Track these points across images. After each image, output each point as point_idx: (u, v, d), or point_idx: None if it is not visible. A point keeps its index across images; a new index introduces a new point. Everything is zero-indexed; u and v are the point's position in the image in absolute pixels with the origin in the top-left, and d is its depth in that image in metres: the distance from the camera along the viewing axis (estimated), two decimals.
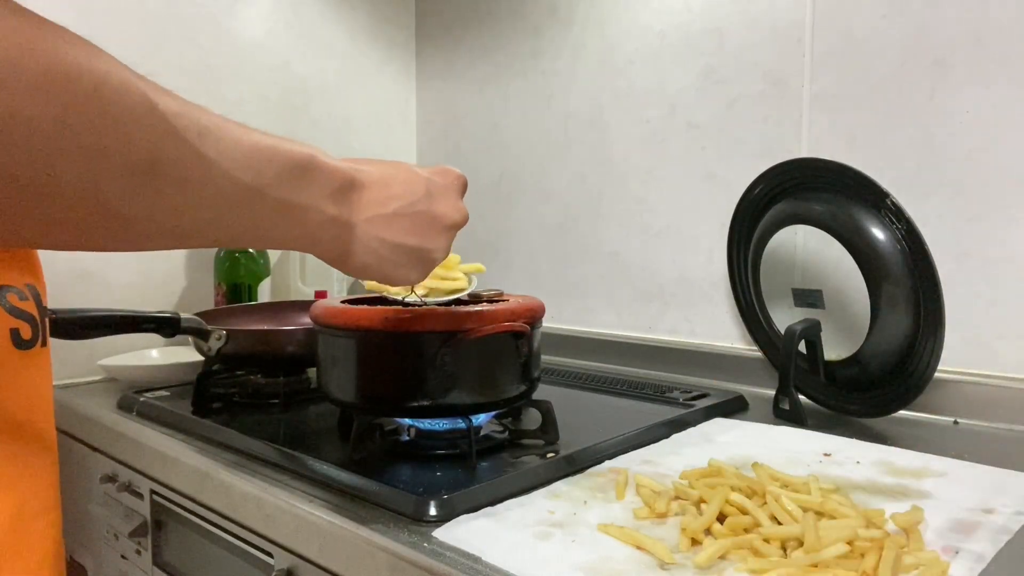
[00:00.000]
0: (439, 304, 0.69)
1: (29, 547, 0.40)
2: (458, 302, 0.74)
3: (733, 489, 0.56)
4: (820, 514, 0.52)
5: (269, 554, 0.64)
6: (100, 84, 0.29)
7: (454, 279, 0.70)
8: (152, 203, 0.33)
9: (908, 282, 0.78)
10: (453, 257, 0.71)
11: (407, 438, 0.72)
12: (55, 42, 0.27)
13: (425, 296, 0.69)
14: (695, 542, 0.51)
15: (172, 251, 1.21)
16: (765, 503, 0.54)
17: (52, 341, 0.76)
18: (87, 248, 0.34)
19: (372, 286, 0.67)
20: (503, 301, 0.72)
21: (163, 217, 0.34)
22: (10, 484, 0.39)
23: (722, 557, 0.48)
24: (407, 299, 0.70)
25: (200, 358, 0.95)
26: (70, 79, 0.28)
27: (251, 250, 1.20)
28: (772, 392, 0.88)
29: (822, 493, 0.55)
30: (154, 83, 0.33)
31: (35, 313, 0.42)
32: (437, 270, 0.68)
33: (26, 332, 0.41)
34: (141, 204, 0.33)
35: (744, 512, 0.52)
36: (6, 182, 0.27)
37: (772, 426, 0.81)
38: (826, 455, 0.70)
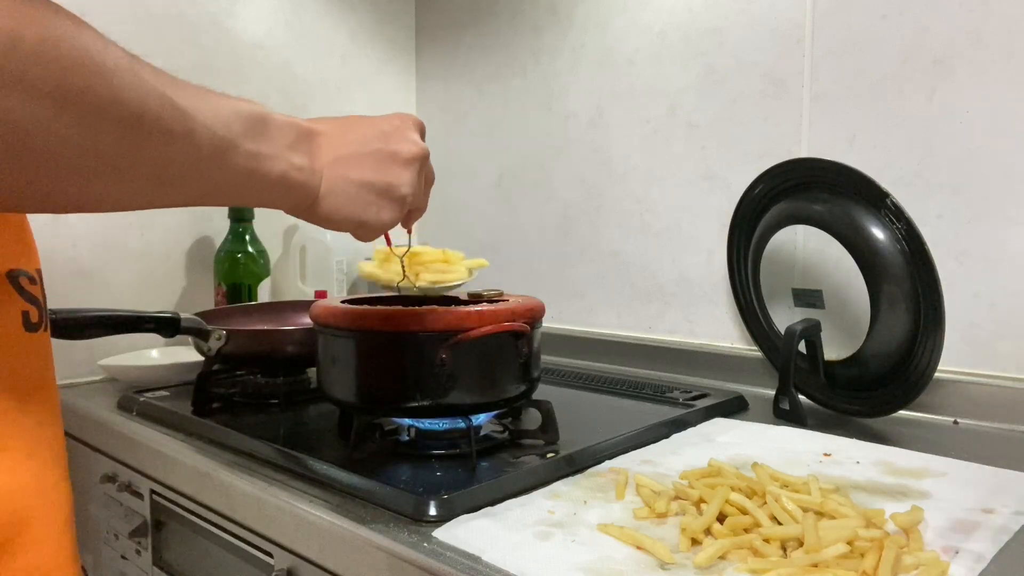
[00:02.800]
0: (439, 294, 0.70)
1: (55, 509, 0.43)
2: (458, 302, 0.74)
3: (733, 489, 0.56)
4: (820, 514, 0.52)
5: (269, 554, 0.64)
6: (88, 48, 0.32)
7: (455, 272, 0.71)
8: (141, 154, 0.36)
9: (908, 282, 0.78)
10: (456, 253, 0.71)
11: (407, 438, 0.72)
12: (45, 13, 0.30)
13: (427, 288, 0.70)
14: (695, 542, 0.51)
15: (172, 251, 1.21)
16: (765, 503, 0.54)
17: (53, 341, 0.77)
18: (86, 205, 0.37)
19: (368, 272, 0.68)
20: (503, 301, 0.72)
21: (149, 169, 0.37)
22: (31, 451, 0.41)
23: (722, 557, 0.48)
24: (401, 285, 0.73)
25: (200, 358, 0.95)
26: (62, 45, 0.31)
27: (251, 250, 1.20)
28: (772, 392, 0.88)
29: (822, 493, 0.55)
30: (125, 49, 0.36)
31: (41, 298, 0.44)
32: (440, 264, 0.68)
33: (34, 315, 0.42)
34: (131, 156, 0.35)
35: (744, 512, 0.52)
36: (23, 142, 0.30)
37: (772, 426, 0.81)
38: (826, 455, 0.70)
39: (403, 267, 0.73)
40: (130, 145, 0.35)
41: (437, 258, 0.78)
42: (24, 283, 0.42)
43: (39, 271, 0.45)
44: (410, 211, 0.58)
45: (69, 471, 0.47)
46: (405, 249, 0.70)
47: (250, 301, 1.19)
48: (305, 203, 0.50)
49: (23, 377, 0.41)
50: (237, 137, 0.43)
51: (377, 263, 0.82)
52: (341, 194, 0.51)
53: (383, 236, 0.58)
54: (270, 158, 0.46)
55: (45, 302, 0.44)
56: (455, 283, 0.68)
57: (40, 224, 1.03)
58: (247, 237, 1.21)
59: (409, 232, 0.65)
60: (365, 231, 0.54)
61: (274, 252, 1.32)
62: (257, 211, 1.23)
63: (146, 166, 0.37)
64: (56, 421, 0.45)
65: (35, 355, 0.43)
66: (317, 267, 1.31)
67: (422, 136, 0.57)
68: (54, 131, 0.31)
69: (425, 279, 0.70)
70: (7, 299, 0.41)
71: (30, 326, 0.42)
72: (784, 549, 0.49)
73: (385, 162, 0.53)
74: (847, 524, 0.49)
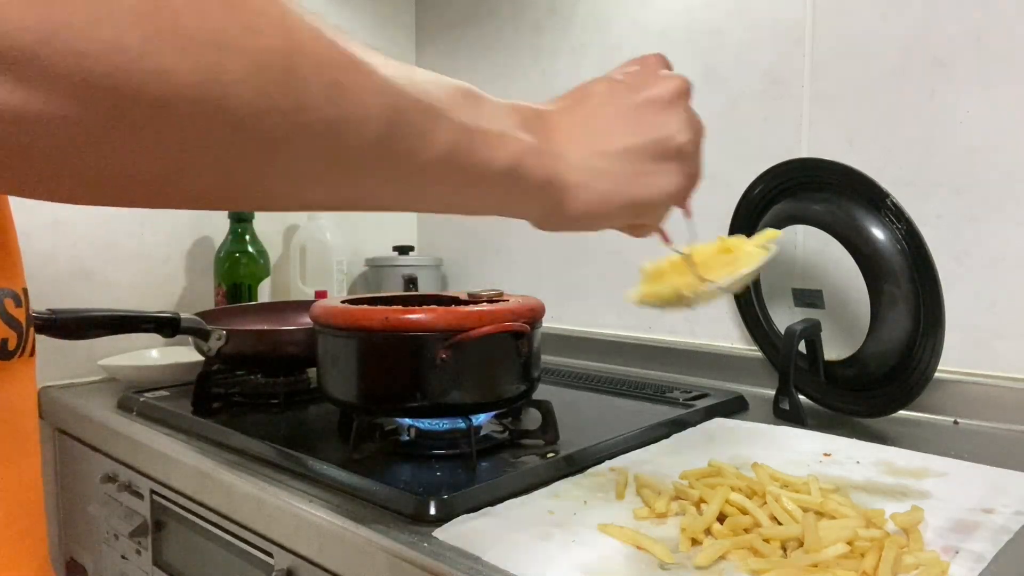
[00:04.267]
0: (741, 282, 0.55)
1: (30, 560, 0.38)
2: (458, 302, 0.74)
3: (733, 489, 0.56)
4: (820, 514, 0.52)
5: (269, 554, 0.64)
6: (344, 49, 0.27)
7: (748, 256, 0.58)
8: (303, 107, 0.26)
9: (908, 282, 0.78)
10: (733, 238, 0.59)
11: (407, 438, 0.72)
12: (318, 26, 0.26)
13: (729, 284, 0.55)
14: (695, 542, 0.51)
15: (172, 251, 1.21)
16: (765, 503, 0.54)
17: (53, 341, 0.77)
18: (313, 202, 0.31)
19: (642, 296, 0.54)
20: (503, 301, 0.72)
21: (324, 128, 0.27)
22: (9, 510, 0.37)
23: (722, 557, 0.48)
24: (700, 292, 0.55)
25: (200, 358, 0.95)
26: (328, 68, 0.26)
27: (251, 250, 1.20)
28: (772, 392, 0.88)
29: (822, 493, 0.55)
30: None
31: (23, 321, 0.39)
32: (723, 257, 0.56)
33: (12, 342, 0.37)
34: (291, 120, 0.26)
35: (744, 512, 0.52)
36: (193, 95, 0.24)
37: (772, 426, 0.81)
38: (826, 455, 0.70)
39: (693, 267, 0.56)
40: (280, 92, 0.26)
41: (716, 252, 0.63)
42: (9, 306, 0.37)
43: (25, 290, 0.40)
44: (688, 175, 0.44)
45: (66, 474, 0.44)
46: (690, 247, 0.56)
47: (250, 301, 1.19)
48: (551, 202, 0.39)
49: None
50: (441, 102, 0.32)
51: (649, 280, 0.63)
52: (599, 175, 0.39)
53: (659, 235, 0.48)
54: (497, 136, 0.35)
55: (28, 323, 0.40)
56: (756, 266, 0.56)
57: (40, 225, 1.04)
58: (247, 237, 1.21)
59: (688, 214, 0.49)
60: (647, 214, 0.42)
61: (274, 252, 1.32)
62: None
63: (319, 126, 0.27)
64: (31, 459, 0.39)
65: (7, 388, 0.38)
66: (317, 267, 1.31)
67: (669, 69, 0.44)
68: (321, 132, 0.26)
69: (720, 278, 0.56)
70: None
71: (5, 354, 0.37)
72: (784, 549, 0.49)
73: (641, 113, 0.41)
74: (847, 524, 0.49)
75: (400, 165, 0.31)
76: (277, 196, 0.29)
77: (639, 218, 0.42)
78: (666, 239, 0.51)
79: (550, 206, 0.39)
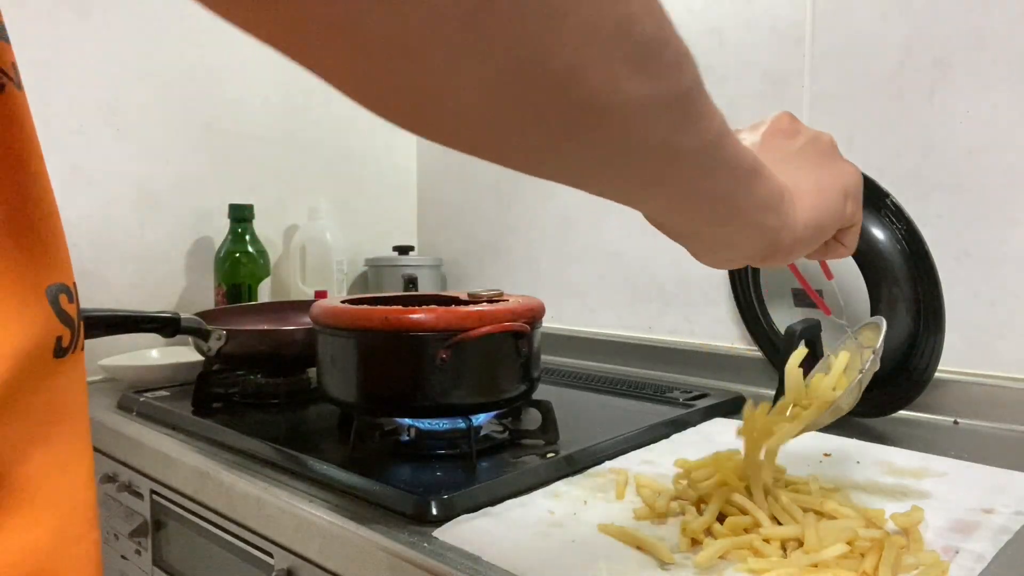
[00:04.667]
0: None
1: (78, 568, 0.36)
2: (458, 302, 0.74)
3: (731, 485, 0.55)
4: (820, 514, 0.52)
5: (269, 554, 0.64)
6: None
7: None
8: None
9: (908, 282, 0.78)
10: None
11: (407, 438, 0.72)
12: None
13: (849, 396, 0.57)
14: (695, 542, 0.51)
15: (172, 251, 1.21)
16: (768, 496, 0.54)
17: None
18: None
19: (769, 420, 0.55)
20: (503, 301, 0.72)
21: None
22: (50, 500, 0.35)
23: (722, 557, 0.48)
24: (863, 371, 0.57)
25: (200, 358, 0.95)
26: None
27: (251, 250, 1.20)
28: (772, 392, 0.88)
29: (822, 493, 0.55)
30: None
31: (75, 317, 0.38)
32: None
33: (67, 339, 0.37)
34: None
35: (744, 512, 0.52)
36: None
37: None
38: (826, 455, 0.70)
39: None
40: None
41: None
42: (63, 301, 0.36)
43: (75, 284, 0.39)
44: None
45: (99, 515, 0.40)
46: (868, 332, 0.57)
47: (250, 301, 1.19)
48: (789, 220, 0.40)
49: (46, 412, 0.36)
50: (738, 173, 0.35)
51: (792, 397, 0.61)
52: (804, 181, 0.41)
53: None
54: (758, 210, 0.37)
55: (80, 319, 0.39)
56: (864, 370, 0.58)
57: None
58: (247, 237, 1.21)
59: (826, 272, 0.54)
60: (852, 197, 0.44)
61: (274, 252, 1.32)
62: (257, 211, 1.23)
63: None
64: (84, 460, 0.39)
65: (62, 386, 0.37)
66: (317, 267, 1.31)
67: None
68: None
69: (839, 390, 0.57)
70: (44, 322, 0.35)
71: (60, 351, 0.36)
72: (784, 549, 0.49)
73: (813, 156, 0.44)
74: (847, 524, 0.49)
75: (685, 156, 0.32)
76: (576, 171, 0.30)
77: (847, 210, 0.43)
78: (827, 272, 0.56)
79: (783, 221, 0.39)
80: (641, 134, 0.28)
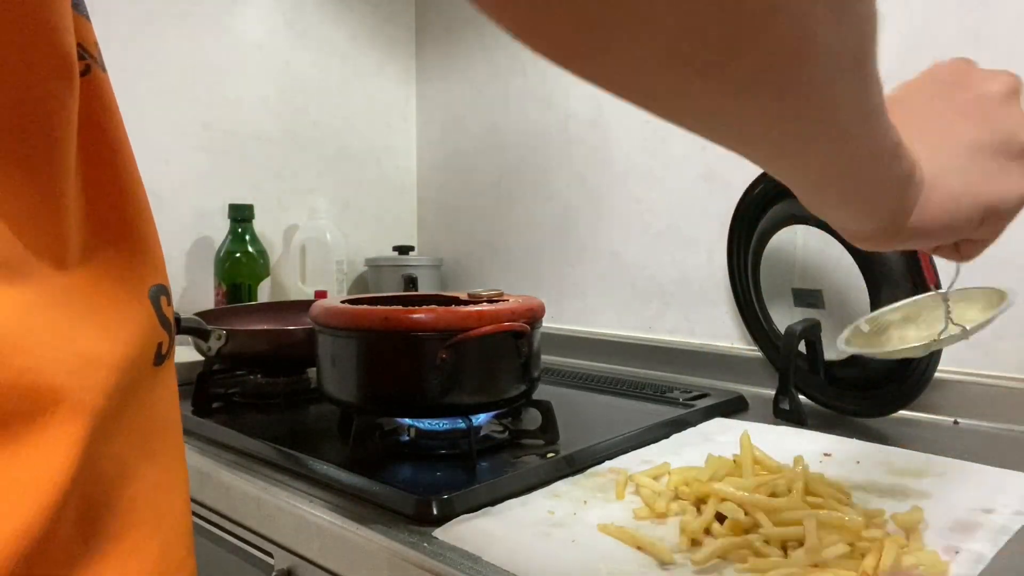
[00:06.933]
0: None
1: None
2: (458, 302, 0.74)
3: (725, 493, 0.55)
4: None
5: (269, 554, 0.64)
6: None
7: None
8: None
9: (908, 282, 0.78)
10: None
11: (407, 438, 0.72)
12: None
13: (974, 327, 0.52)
14: (695, 542, 0.51)
15: (172, 251, 1.21)
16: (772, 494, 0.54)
17: None
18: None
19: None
20: (503, 301, 0.72)
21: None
22: (154, 525, 0.32)
23: (722, 557, 0.48)
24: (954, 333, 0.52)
25: (200, 358, 0.95)
26: None
27: (251, 250, 1.20)
28: (772, 392, 0.88)
29: (822, 491, 0.55)
30: None
31: (172, 320, 0.35)
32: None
33: (165, 345, 0.34)
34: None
35: (744, 512, 0.52)
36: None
37: (772, 426, 0.81)
38: (826, 455, 0.70)
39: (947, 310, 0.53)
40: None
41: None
42: (163, 303, 0.33)
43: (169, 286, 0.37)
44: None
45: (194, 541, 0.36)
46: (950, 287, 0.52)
47: (250, 301, 1.19)
48: (907, 200, 0.35)
49: (149, 425, 0.33)
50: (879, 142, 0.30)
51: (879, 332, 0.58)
52: (949, 172, 0.35)
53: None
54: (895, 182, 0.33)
55: (175, 323, 0.36)
56: (998, 310, 0.52)
57: None
58: (247, 237, 1.21)
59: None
60: (993, 221, 0.37)
61: (274, 252, 1.32)
62: (257, 211, 1.23)
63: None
64: (182, 478, 0.36)
65: (161, 396, 0.34)
66: (317, 267, 1.31)
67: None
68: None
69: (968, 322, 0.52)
70: (147, 329, 0.32)
71: (159, 358, 0.33)
72: (784, 549, 0.49)
73: (980, 108, 0.37)
74: (847, 524, 0.49)
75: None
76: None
77: (982, 227, 0.36)
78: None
79: (903, 206, 0.34)
80: (820, 90, 0.25)
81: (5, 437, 0.25)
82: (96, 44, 0.32)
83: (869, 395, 0.84)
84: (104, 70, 0.32)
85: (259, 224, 1.23)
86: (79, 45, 0.29)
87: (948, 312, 0.53)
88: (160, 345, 0.33)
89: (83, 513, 0.27)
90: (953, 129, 0.35)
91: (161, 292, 0.33)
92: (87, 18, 0.31)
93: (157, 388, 0.33)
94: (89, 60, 0.31)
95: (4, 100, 0.26)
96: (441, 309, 0.65)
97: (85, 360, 0.28)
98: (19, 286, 0.26)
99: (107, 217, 0.31)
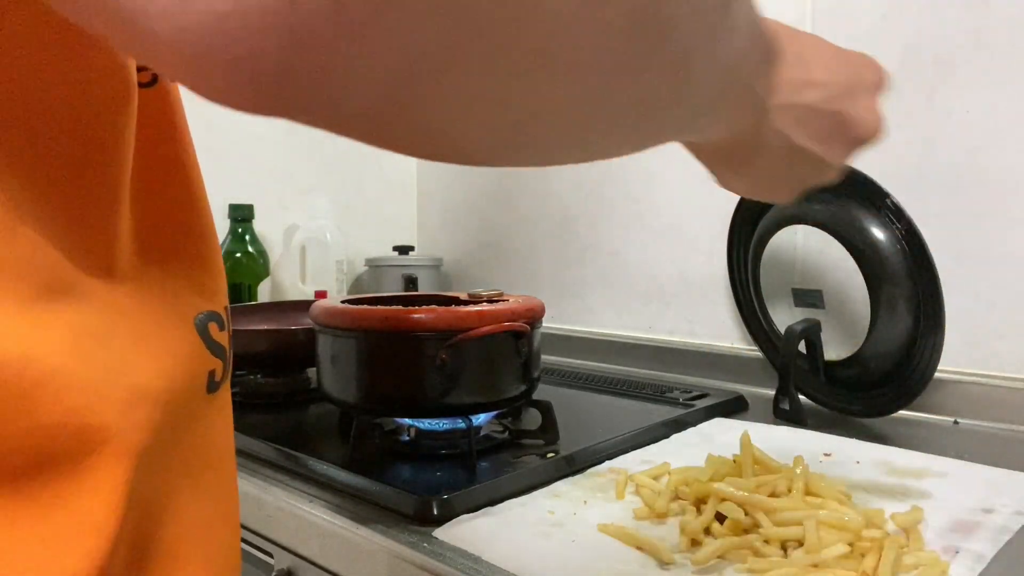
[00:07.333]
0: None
1: None
2: (458, 302, 0.74)
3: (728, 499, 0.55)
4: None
5: (269, 554, 0.64)
6: None
7: None
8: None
9: (908, 282, 0.78)
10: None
11: (407, 438, 0.72)
12: None
13: None
14: (695, 542, 0.51)
15: None
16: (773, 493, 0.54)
17: None
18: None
19: None
20: (503, 301, 0.72)
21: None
22: (201, 564, 0.31)
23: (722, 557, 0.48)
24: None
25: None
26: None
27: (251, 250, 1.20)
28: (772, 392, 0.88)
29: (822, 489, 0.55)
30: None
31: (227, 346, 0.34)
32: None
33: (219, 372, 0.32)
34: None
35: (745, 512, 0.52)
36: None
37: (772, 426, 0.81)
38: (826, 455, 0.70)
39: None
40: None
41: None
42: (213, 330, 0.32)
43: (227, 308, 0.35)
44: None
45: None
46: None
47: (250, 301, 1.19)
48: (741, 154, 0.36)
49: (199, 457, 0.31)
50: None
51: None
52: (772, 156, 0.37)
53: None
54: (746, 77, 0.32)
55: (232, 347, 0.35)
56: None
57: None
58: (247, 237, 1.21)
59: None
60: (768, 198, 0.42)
61: (274, 252, 1.32)
62: (257, 211, 1.23)
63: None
64: (231, 506, 0.34)
65: (213, 424, 0.33)
66: (317, 267, 1.31)
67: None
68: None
69: None
70: (195, 357, 0.31)
71: (212, 386, 0.32)
72: (784, 549, 0.49)
73: (833, 132, 0.39)
74: (847, 524, 0.49)
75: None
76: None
77: (766, 196, 0.39)
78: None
79: (742, 156, 0.35)
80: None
81: (51, 480, 0.24)
82: None
83: (869, 395, 0.84)
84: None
85: (259, 224, 1.23)
86: None
87: None
88: (212, 373, 0.32)
89: (131, 554, 0.26)
90: (808, 125, 0.36)
91: (211, 319, 0.32)
92: None
93: (211, 415, 0.32)
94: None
95: (61, 114, 0.25)
96: (441, 309, 0.65)
97: (135, 395, 0.26)
98: (71, 307, 0.25)
99: (159, 235, 0.30)
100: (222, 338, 0.33)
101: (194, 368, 0.30)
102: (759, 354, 1.00)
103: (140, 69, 0.28)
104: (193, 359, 0.30)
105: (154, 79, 0.29)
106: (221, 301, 0.34)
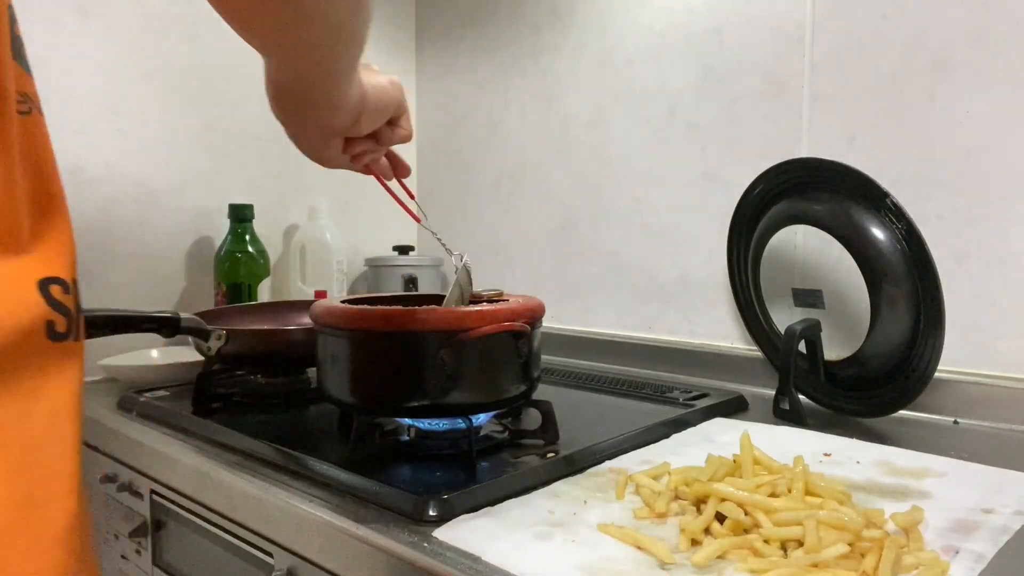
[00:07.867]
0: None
1: (38, 530, 0.38)
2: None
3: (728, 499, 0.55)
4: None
5: (269, 554, 0.64)
6: None
7: None
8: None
9: (908, 282, 0.78)
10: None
11: (407, 438, 0.72)
12: None
13: None
14: (695, 542, 0.51)
15: (172, 251, 1.21)
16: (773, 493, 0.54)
17: None
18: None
19: None
20: (503, 301, 0.72)
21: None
22: (13, 473, 0.37)
23: (722, 557, 0.48)
24: None
25: (200, 358, 0.95)
26: None
27: (251, 250, 1.20)
28: (772, 392, 0.88)
29: (822, 490, 0.55)
30: None
31: (72, 308, 0.41)
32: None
33: (61, 325, 0.39)
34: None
35: (745, 512, 0.52)
36: None
37: (772, 426, 0.81)
38: (826, 455, 0.70)
39: None
40: None
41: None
42: (56, 292, 0.39)
43: (75, 281, 0.42)
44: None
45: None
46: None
47: (250, 301, 1.19)
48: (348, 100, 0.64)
49: (40, 390, 0.38)
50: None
51: None
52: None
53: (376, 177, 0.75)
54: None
55: (78, 312, 0.41)
56: None
57: None
58: (247, 237, 1.21)
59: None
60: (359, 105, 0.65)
61: (274, 252, 1.32)
62: (257, 211, 1.23)
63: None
64: (67, 438, 0.40)
65: (62, 365, 0.39)
66: (317, 267, 1.31)
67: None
68: None
69: None
70: (34, 307, 0.38)
71: (56, 335, 0.39)
72: (784, 549, 0.49)
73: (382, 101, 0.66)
74: (847, 524, 0.49)
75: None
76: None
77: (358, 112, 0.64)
78: (383, 183, 0.75)
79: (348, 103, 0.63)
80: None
81: None
82: (37, 95, 0.40)
83: (869, 395, 0.84)
84: (41, 113, 0.40)
85: (259, 224, 1.23)
86: (22, 93, 0.37)
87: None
88: (51, 323, 0.38)
89: None
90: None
91: (53, 283, 0.39)
92: (28, 72, 0.39)
93: (57, 360, 0.38)
94: (30, 104, 0.38)
95: None
96: (441, 309, 0.65)
97: None
98: None
99: (20, 225, 0.39)
100: (66, 300, 0.39)
101: (31, 315, 0.37)
102: (759, 354, 1.00)
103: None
104: (31, 307, 0.38)
105: (29, 111, 0.38)
106: (68, 274, 0.41)
